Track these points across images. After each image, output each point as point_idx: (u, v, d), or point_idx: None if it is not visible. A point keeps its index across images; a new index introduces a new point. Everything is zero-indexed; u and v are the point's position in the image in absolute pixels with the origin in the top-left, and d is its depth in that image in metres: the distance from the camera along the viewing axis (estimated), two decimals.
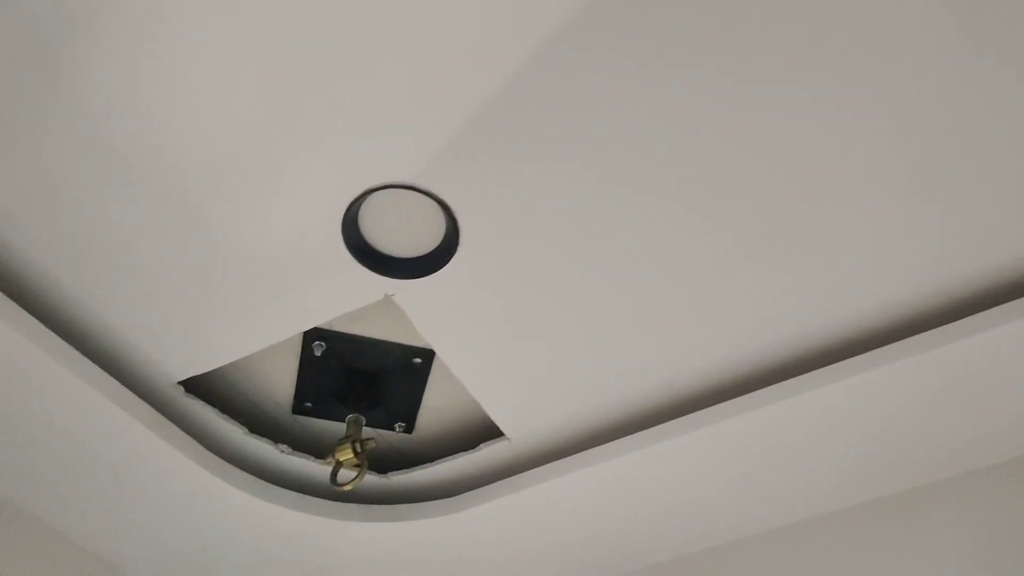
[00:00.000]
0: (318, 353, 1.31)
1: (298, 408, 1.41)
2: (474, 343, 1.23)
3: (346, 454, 1.29)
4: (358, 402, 1.38)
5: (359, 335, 1.32)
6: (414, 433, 1.46)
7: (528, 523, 1.40)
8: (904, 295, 1.15)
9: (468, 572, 1.50)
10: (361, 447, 1.30)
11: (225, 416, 1.33)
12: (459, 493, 1.40)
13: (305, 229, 1.07)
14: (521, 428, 1.34)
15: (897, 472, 1.33)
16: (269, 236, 1.08)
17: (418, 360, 1.35)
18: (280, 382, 1.38)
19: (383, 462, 1.44)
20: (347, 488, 1.27)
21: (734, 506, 1.40)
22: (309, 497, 1.39)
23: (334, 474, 1.30)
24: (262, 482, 1.36)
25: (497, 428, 1.37)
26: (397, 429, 1.43)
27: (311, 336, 1.31)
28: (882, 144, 0.99)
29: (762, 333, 1.20)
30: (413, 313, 1.17)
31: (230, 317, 1.18)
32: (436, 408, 1.43)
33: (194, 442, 1.30)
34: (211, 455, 1.32)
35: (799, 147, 0.99)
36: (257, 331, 1.20)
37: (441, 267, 1.12)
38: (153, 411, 1.25)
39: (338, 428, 1.44)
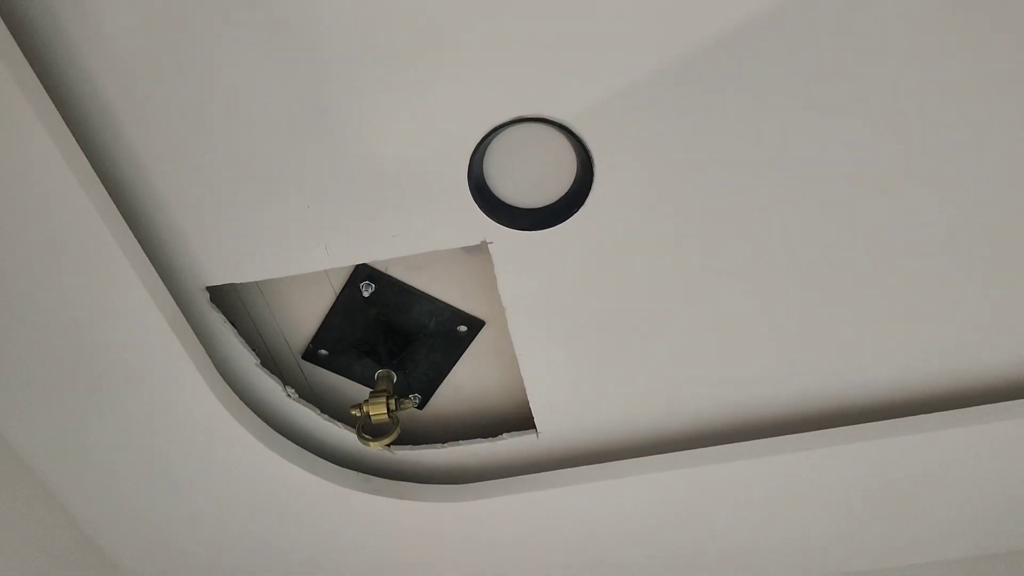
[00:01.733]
0: (366, 294, 1.31)
1: (310, 353, 1.40)
2: (551, 317, 1.24)
3: (379, 409, 1.28)
4: (384, 360, 1.37)
5: (413, 286, 1.32)
6: (425, 409, 1.47)
7: (545, 525, 1.43)
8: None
9: (469, 565, 1.50)
10: (396, 405, 1.30)
11: (242, 340, 1.30)
12: (466, 481, 1.42)
13: (432, 147, 1.07)
14: (554, 424, 1.38)
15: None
16: (390, 146, 1.07)
17: (463, 328, 1.36)
18: (301, 320, 1.37)
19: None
20: (375, 446, 1.26)
21: (775, 550, 1.50)
22: (308, 453, 1.37)
23: (360, 428, 1.28)
24: (265, 426, 1.33)
25: (517, 423, 1.43)
26: (413, 400, 1.43)
27: (360, 274, 1.30)
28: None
29: (834, 377, 1.33)
30: (501, 268, 1.18)
31: (298, 225, 1.16)
32: (457, 388, 1.45)
33: (209, 361, 1.26)
34: (223, 382, 1.28)
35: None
36: (322, 248, 1.18)
37: (553, 225, 1.14)
38: (178, 311, 1.20)
39: (343, 386, 1.45)
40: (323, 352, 1.40)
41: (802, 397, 1.35)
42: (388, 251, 1.19)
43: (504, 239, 1.17)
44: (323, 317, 1.37)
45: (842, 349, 1.29)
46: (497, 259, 1.19)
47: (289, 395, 1.36)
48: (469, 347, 1.40)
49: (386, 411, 1.29)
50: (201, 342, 1.27)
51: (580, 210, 1.14)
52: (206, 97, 1.04)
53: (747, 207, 1.13)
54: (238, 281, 1.23)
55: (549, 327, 1.27)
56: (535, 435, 1.40)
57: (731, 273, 1.20)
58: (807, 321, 1.26)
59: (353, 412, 1.30)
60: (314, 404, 1.40)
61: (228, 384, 1.31)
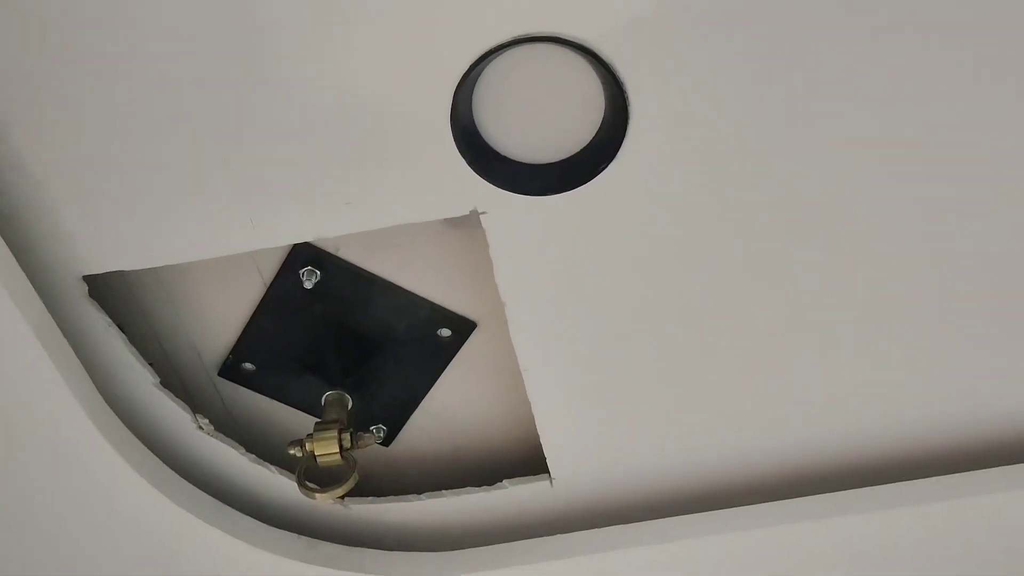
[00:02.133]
0: (308, 285, 1.14)
1: (230, 369, 1.23)
2: (568, 316, 1.08)
3: (328, 448, 1.10)
4: (335, 377, 1.21)
5: (374, 273, 1.15)
6: (392, 446, 1.31)
7: None
8: None
9: None
10: (352, 441, 1.12)
11: (135, 351, 1.10)
12: (451, 548, 1.25)
13: (402, 79, 0.91)
14: (574, 467, 1.22)
15: None
16: (343, 76, 0.92)
17: (446, 333, 1.20)
18: (218, 322, 1.22)
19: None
20: (323, 498, 1.07)
21: None
22: (228, 508, 1.18)
23: (302, 473, 1.10)
24: (167, 469, 1.14)
25: (522, 465, 1.27)
26: (376, 433, 1.27)
27: (299, 258, 1.13)
28: None
29: (946, 413, 1.18)
30: (499, 248, 1.02)
31: (213, 189, 0.99)
32: (438, 416, 1.29)
33: (89, 380, 1.07)
34: (108, 409, 1.09)
35: None
36: (246, 221, 1.01)
37: (571, 187, 0.98)
38: (44, 311, 1.02)
39: (277, 414, 1.30)
40: (248, 367, 1.24)
41: (907, 438, 1.21)
42: (339, 225, 1.03)
43: (503, 207, 1.00)
44: (248, 318, 1.21)
45: (972, 378, 1.15)
46: (493, 235, 1.03)
47: (201, 427, 1.18)
48: (454, 359, 1.25)
49: (338, 450, 1.11)
50: (77, 353, 1.08)
51: (609, 166, 0.98)
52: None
53: (842, 165, 0.99)
54: (128, 268, 1.06)
55: (565, 330, 1.11)
56: (548, 482, 1.23)
57: (818, 255, 1.05)
58: (916, 339, 1.12)
59: (292, 451, 1.14)
60: (236, 439, 1.23)
61: (115, 412, 1.12)
